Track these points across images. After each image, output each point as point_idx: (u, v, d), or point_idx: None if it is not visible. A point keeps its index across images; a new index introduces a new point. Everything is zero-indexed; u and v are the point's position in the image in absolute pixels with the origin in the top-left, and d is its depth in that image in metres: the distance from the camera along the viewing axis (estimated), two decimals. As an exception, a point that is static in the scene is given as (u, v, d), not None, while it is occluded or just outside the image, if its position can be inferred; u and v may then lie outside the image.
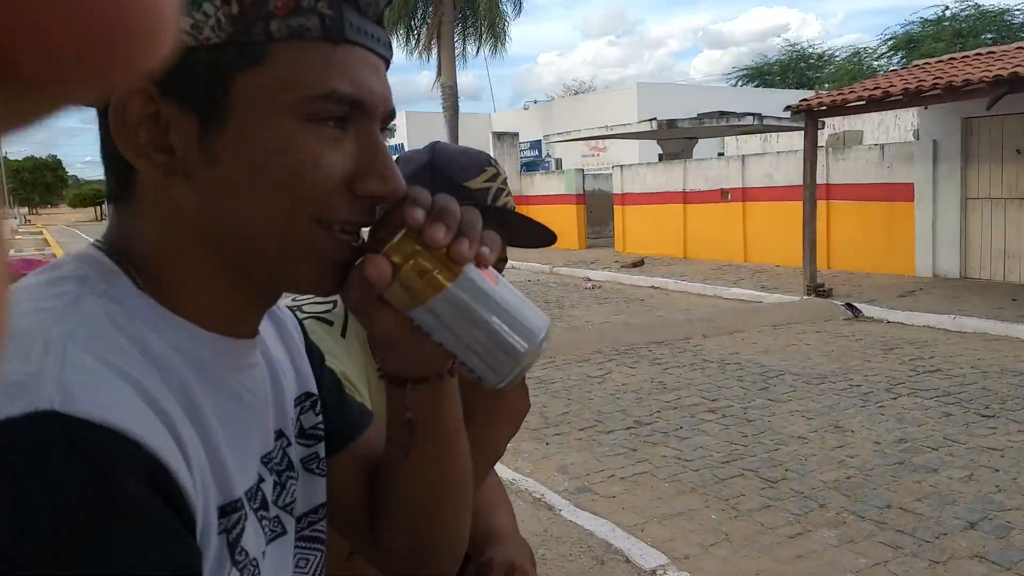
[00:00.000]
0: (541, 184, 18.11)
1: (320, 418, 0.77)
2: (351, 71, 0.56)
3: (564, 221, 17.00)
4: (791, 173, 11.69)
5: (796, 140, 13.15)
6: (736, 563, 3.03)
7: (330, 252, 0.59)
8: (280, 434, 0.69)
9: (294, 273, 0.59)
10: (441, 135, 25.89)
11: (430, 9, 25.69)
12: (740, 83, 37.80)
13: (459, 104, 25.59)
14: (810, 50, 38.71)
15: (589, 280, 11.61)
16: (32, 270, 1.65)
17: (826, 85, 30.00)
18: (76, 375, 0.46)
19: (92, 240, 0.60)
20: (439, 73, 25.19)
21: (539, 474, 3.94)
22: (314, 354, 0.81)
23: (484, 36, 26.35)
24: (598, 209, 17.04)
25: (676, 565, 2.99)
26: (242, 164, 0.55)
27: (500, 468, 3.94)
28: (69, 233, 37.12)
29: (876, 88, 9.25)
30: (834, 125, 14.83)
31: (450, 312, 0.59)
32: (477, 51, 27.04)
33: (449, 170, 1.06)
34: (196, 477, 0.52)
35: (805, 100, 9.94)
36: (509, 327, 0.60)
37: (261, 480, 0.63)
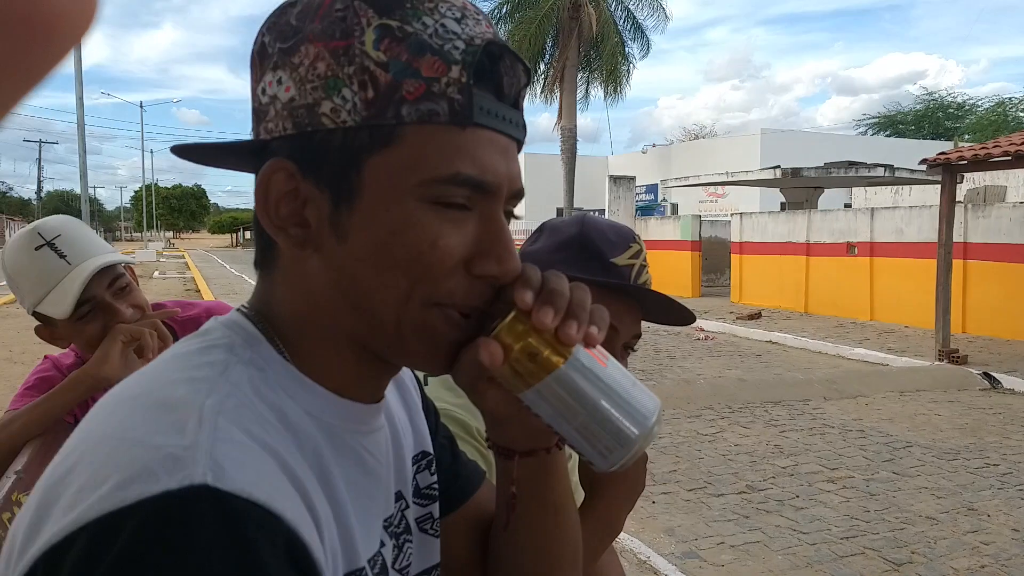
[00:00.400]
0: (656, 229, 17.93)
1: (435, 478, 0.78)
2: (477, 154, 0.57)
3: (678, 268, 16.76)
4: (924, 228, 11.09)
5: (930, 193, 12.49)
6: (854, 652, 2.84)
7: (444, 333, 0.60)
8: (399, 496, 0.70)
9: (408, 350, 0.61)
10: (559, 177, 26.18)
11: (555, 53, 26.20)
12: (870, 132, 36.33)
13: (577, 147, 25.86)
14: (949, 99, 36.70)
15: (703, 331, 11.34)
16: (187, 311, 1.76)
17: (966, 137, 28.38)
18: (226, 449, 0.49)
19: (239, 306, 0.64)
20: (560, 116, 25.57)
21: (644, 534, 3.85)
22: (430, 411, 0.82)
23: (606, 80, 26.58)
24: (714, 257, 16.70)
25: (788, 647, 2.84)
26: (367, 241, 0.57)
27: (605, 524, 3.88)
28: (206, 258, 39.65)
29: (1024, 144, 8.67)
30: (974, 179, 14.00)
31: (558, 395, 0.59)
32: (605, 94, 27.21)
33: (596, 245, 1.07)
34: (327, 548, 0.54)
35: (944, 153, 9.43)
36: (618, 412, 0.60)
37: (382, 545, 0.65)
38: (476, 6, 0.61)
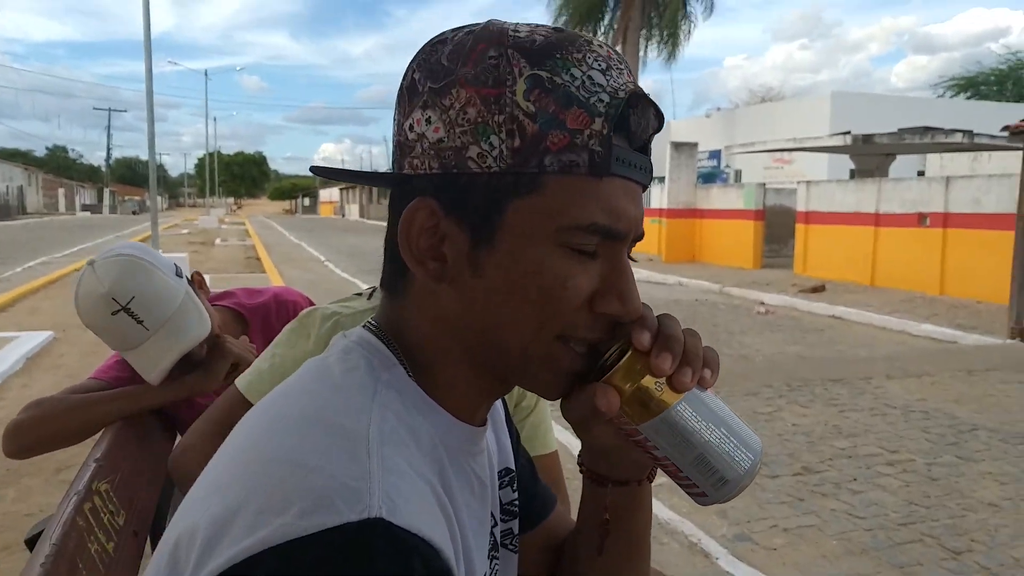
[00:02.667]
0: (717, 197, 17.57)
1: (516, 495, 0.81)
2: (611, 203, 0.60)
3: (739, 238, 16.43)
4: (1003, 199, 10.61)
5: (1012, 161, 11.90)
6: (906, 642, 2.83)
7: (566, 365, 0.64)
8: (491, 515, 0.74)
9: (532, 378, 0.65)
10: (619, 143, 25.71)
11: (617, 14, 25.68)
12: (948, 94, 34.64)
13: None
14: (1035, 59, 34.60)
15: (763, 304, 11.15)
16: (254, 299, 1.83)
17: (1053, 99, 26.83)
18: (394, 481, 0.53)
19: (366, 324, 0.68)
20: (621, 79, 25.08)
21: (696, 516, 3.87)
22: (513, 430, 0.86)
23: (666, 40, 25.98)
24: (778, 226, 16.29)
25: (838, 634, 2.84)
26: (503, 279, 0.61)
27: (657, 506, 3.91)
28: (266, 225, 40.51)
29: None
30: (1060, 146, 13.28)
31: (669, 433, 0.63)
32: (668, 56, 26.62)
33: None
34: (469, 564, 0.60)
35: (1025, 121, 8.98)
36: (722, 454, 0.63)
37: (483, 565, 0.69)
38: (619, 54, 0.63)
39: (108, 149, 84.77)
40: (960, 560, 3.41)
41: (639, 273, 15.63)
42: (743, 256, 16.20)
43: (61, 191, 69.47)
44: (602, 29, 26.56)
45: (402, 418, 0.60)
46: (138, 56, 11.66)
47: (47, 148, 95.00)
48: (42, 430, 1.48)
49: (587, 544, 0.79)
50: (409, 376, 0.64)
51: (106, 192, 73.24)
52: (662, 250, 17.93)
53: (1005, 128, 9.19)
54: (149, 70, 11.50)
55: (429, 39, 0.64)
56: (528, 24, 0.62)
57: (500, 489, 0.79)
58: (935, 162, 17.56)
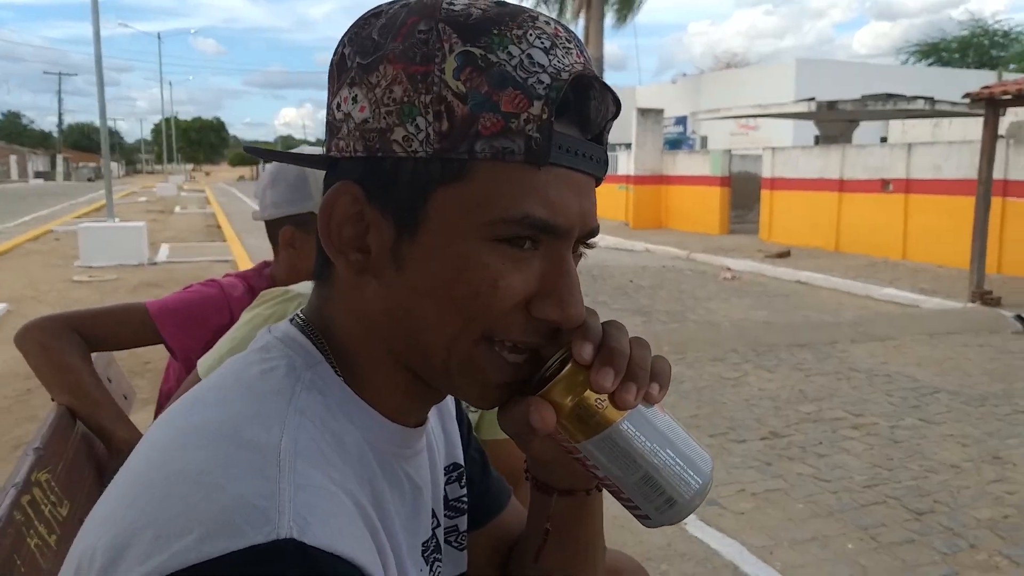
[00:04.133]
0: (684, 164, 17.61)
1: (464, 491, 0.78)
2: (550, 194, 0.55)
3: (705, 204, 16.52)
4: (963, 165, 10.77)
5: (972, 127, 12.06)
6: (872, 603, 2.87)
7: (492, 373, 0.58)
8: (433, 514, 0.70)
9: (455, 385, 0.60)
10: (585, 109, 25.65)
11: (581, -22, 25.39)
12: (911, 60, 35.00)
13: (604, 77, 25.25)
14: (996, 26, 35.07)
15: (729, 270, 11.23)
16: (244, 281, 1.73)
17: (1011, 67, 27.26)
18: (307, 498, 0.48)
19: (293, 317, 0.63)
20: (586, 43, 24.89)
21: (666, 481, 3.89)
22: (463, 422, 0.82)
23: (620, 7, 25.85)
24: (743, 193, 16.40)
25: (806, 597, 2.87)
26: (425, 274, 0.56)
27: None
28: (227, 192, 39.80)
29: (1074, 77, 8.29)
30: (1017, 112, 13.48)
31: (610, 453, 0.58)
32: (618, 20, 26.51)
33: None
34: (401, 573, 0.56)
35: (987, 87, 9.07)
36: (668, 476, 0.58)
37: (420, 570, 0.66)
38: (569, 32, 0.56)
39: (60, 115, 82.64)
40: (923, 521, 3.48)
41: (606, 240, 15.66)
42: (709, 222, 16.29)
43: (13, 158, 67.51)
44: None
45: (325, 423, 0.55)
46: (88, 18, 11.27)
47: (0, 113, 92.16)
48: (34, 359, 1.46)
49: (528, 549, 0.75)
50: (336, 374, 0.59)
51: (59, 159, 71.33)
52: (629, 216, 17.96)
53: (967, 95, 9.28)
54: (97, 33, 11.11)
55: (365, 11, 0.58)
56: None
57: (447, 485, 0.75)
58: (897, 128, 17.75)
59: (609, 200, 19.23)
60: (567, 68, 0.54)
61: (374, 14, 0.57)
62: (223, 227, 17.84)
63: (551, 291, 0.57)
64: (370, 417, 0.59)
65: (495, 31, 0.53)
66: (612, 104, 0.57)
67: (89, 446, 1.32)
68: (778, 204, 14.52)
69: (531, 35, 0.54)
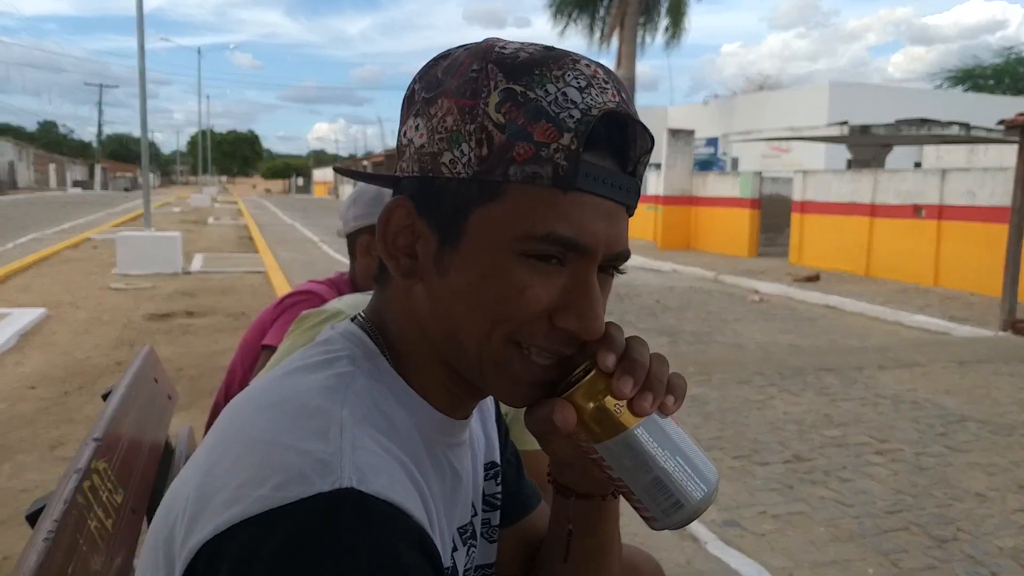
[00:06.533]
0: (714, 185, 17.55)
1: (500, 488, 0.84)
2: (575, 216, 0.61)
3: (734, 226, 16.44)
4: (998, 192, 10.64)
5: (1008, 154, 11.93)
6: (891, 628, 2.86)
7: (520, 372, 0.65)
8: (472, 505, 0.76)
9: (489, 383, 0.67)
10: (616, 129, 25.62)
11: (614, 1, 25.54)
12: (946, 85, 34.58)
13: (635, 96, 25.30)
14: (1034, 52, 34.53)
15: (757, 293, 11.18)
16: (330, 286, 1.93)
17: (1050, 93, 26.81)
18: (364, 456, 0.56)
19: (355, 316, 0.71)
20: (618, 64, 25.02)
21: (687, 500, 3.90)
22: (501, 425, 0.88)
23: (665, 26, 25.93)
24: (774, 215, 16.30)
25: (824, 620, 2.87)
26: (462, 280, 0.63)
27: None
28: (259, 205, 40.28)
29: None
30: (1056, 140, 13.29)
31: (624, 455, 0.64)
32: (666, 42, 26.62)
33: None
34: (439, 542, 0.62)
35: (1022, 114, 8.99)
36: (676, 482, 0.63)
37: (455, 549, 0.72)
38: (609, 73, 0.63)
39: (99, 125, 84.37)
40: (945, 549, 3.46)
41: (634, 259, 15.63)
42: (738, 244, 16.21)
43: (52, 167, 68.95)
44: (599, 15, 26.41)
45: (379, 405, 0.63)
46: (130, 32, 11.57)
47: (38, 123, 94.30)
48: None
49: (554, 550, 0.81)
50: (391, 365, 0.67)
51: (97, 168, 72.69)
52: (657, 237, 17.93)
53: (1001, 122, 9.20)
54: (141, 46, 11.41)
55: (437, 54, 0.67)
56: (521, 42, 0.64)
57: (485, 481, 0.81)
58: (931, 154, 17.58)
59: (638, 220, 19.19)
60: (599, 105, 0.60)
61: (442, 56, 0.66)
62: (255, 239, 18.14)
63: (572, 304, 0.63)
64: (419, 405, 0.67)
65: (537, 71, 0.60)
66: (647, 139, 0.64)
67: (140, 440, 1.41)
68: (808, 228, 14.43)
69: (569, 75, 0.61)
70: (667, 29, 26.49)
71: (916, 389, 6.17)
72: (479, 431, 0.82)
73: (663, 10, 26.36)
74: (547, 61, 0.61)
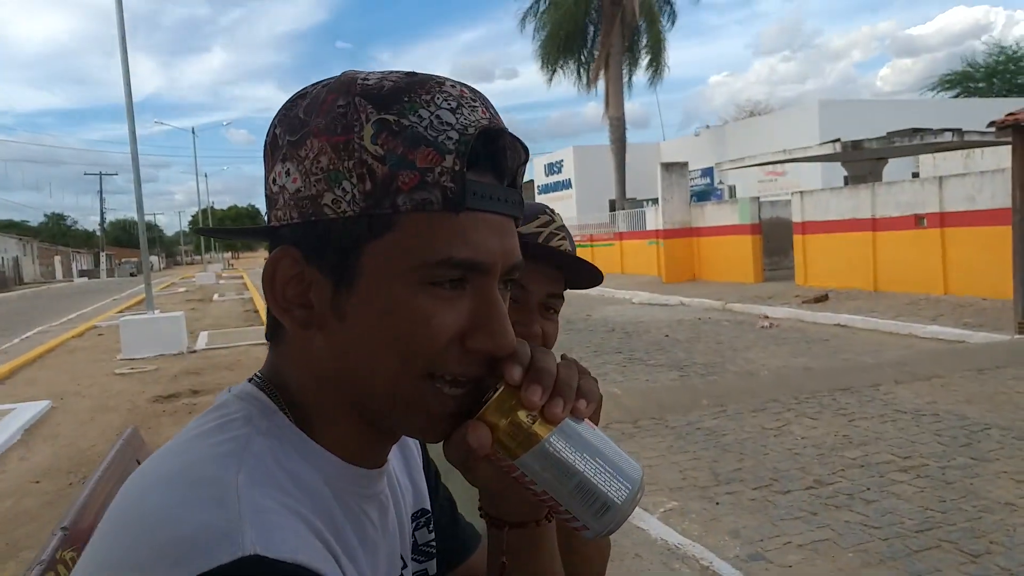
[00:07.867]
0: (712, 214, 17.58)
1: (433, 536, 0.82)
2: (470, 236, 0.60)
3: (737, 253, 16.41)
4: (998, 194, 10.59)
5: (1005, 156, 11.89)
6: (931, 656, 2.71)
7: (436, 407, 0.63)
8: (401, 558, 0.74)
9: (403, 422, 0.65)
10: (608, 168, 25.91)
11: (597, 42, 26.02)
12: (938, 92, 34.81)
13: (626, 134, 25.57)
14: (1020, 52, 34.81)
15: (766, 318, 11.07)
16: None
17: (1039, 91, 26.94)
18: (267, 517, 0.53)
19: (251, 377, 0.69)
20: (607, 106, 25.32)
21: (708, 538, 3.76)
22: (430, 470, 0.87)
23: (648, 64, 26.39)
24: (776, 239, 16.27)
25: (860, 653, 2.73)
26: (363, 322, 0.60)
27: (667, 532, 3.81)
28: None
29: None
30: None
31: (544, 467, 0.62)
32: (650, 80, 27.08)
33: None
34: None
35: (1012, 114, 8.97)
36: (602, 482, 0.62)
37: None
38: (474, 92, 0.63)
39: (101, 213, 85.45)
40: (979, 563, 3.31)
41: (639, 295, 15.57)
42: (743, 271, 16.15)
43: (57, 258, 69.92)
44: (583, 59, 26.86)
45: (281, 463, 0.60)
46: (125, 119, 11.74)
47: (45, 216, 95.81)
48: None
49: None
50: (291, 420, 0.64)
51: (102, 256, 73.64)
52: (661, 271, 17.90)
53: (992, 123, 9.18)
54: (133, 132, 11.60)
55: (291, 95, 0.66)
56: (380, 72, 0.63)
57: (416, 530, 0.79)
58: (928, 162, 17.57)
59: (640, 255, 19.18)
60: (473, 123, 0.60)
61: (300, 96, 0.64)
62: (260, 311, 18.19)
63: (481, 324, 0.61)
64: (326, 459, 0.64)
65: (406, 99, 0.59)
66: (521, 151, 0.64)
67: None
68: (811, 248, 14.36)
69: (438, 99, 0.60)
70: (649, 65, 26.91)
71: (936, 401, 6.02)
72: (405, 479, 0.80)
73: (643, 48, 26.80)
74: (413, 87, 0.60)
